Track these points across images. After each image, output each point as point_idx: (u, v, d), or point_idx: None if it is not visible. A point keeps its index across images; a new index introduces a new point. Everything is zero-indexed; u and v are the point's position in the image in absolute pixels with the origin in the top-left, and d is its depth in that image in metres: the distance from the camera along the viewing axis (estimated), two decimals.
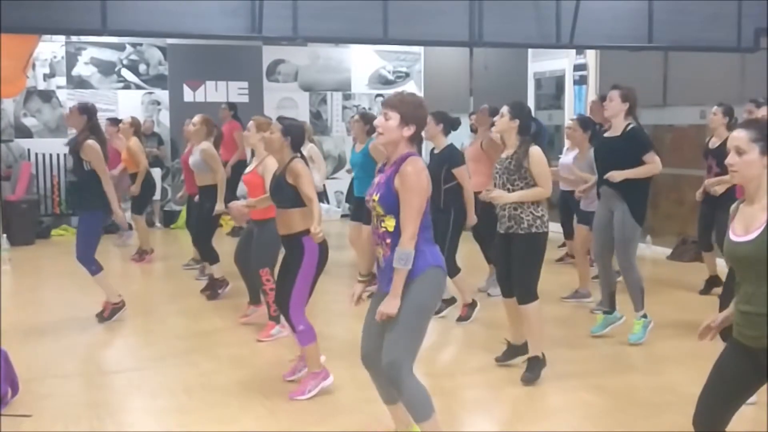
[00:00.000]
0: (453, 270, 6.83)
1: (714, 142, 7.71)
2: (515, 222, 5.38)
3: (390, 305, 3.73)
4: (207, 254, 8.13)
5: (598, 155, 6.44)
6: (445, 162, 6.78)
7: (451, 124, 7.04)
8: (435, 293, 3.86)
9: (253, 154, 7.19)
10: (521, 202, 5.36)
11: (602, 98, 6.79)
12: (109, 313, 7.02)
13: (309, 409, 5.04)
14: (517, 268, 5.44)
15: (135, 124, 10.35)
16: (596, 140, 6.97)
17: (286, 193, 5.14)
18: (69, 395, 5.41)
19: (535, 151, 5.37)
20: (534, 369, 5.43)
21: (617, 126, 6.25)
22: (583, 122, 7.93)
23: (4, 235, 10.45)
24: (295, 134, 5.23)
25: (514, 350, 5.81)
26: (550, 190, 5.40)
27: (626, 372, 5.83)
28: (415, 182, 3.72)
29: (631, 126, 6.22)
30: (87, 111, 7.08)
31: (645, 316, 6.31)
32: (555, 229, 7.24)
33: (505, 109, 5.49)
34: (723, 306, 4.82)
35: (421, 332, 3.80)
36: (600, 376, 5.67)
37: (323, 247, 5.13)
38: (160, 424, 4.87)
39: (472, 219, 6.93)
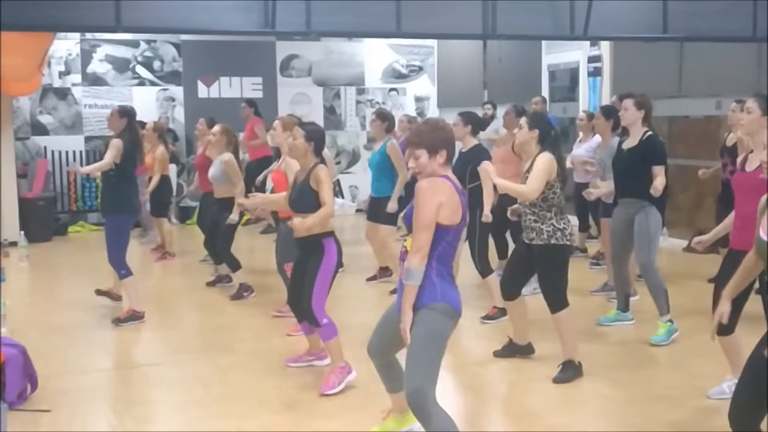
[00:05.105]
0: (486, 270, 6.95)
1: (731, 139, 7.51)
2: (536, 233, 5.41)
3: (404, 321, 3.75)
4: (228, 263, 8.09)
5: (616, 166, 6.44)
6: (471, 161, 6.73)
7: (479, 125, 7.09)
8: (446, 323, 3.81)
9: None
10: (540, 215, 5.36)
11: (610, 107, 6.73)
12: (126, 317, 7.00)
13: (325, 403, 5.06)
14: (542, 279, 5.53)
15: (158, 128, 10.26)
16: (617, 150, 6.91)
17: (309, 200, 5.19)
18: (87, 390, 5.46)
19: (544, 155, 5.37)
20: (567, 371, 5.41)
21: (635, 134, 6.23)
22: (606, 111, 7.86)
23: (22, 232, 10.52)
24: (317, 139, 5.33)
25: (514, 348, 5.91)
26: (533, 194, 5.31)
27: (644, 365, 5.81)
28: (424, 197, 3.69)
29: (648, 134, 6.22)
30: (127, 114, 7.13)
31: (671, 321, 6.23)
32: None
33: (523, 121, 5.56)
34: (717, 290, 4.77)
35: (437, 359, 3.78)
36: (618, 369, 5.66)
37: (339, 247, 5.29)
38: (177, 419, 4.91)
39: (486, 216, 6.83)
